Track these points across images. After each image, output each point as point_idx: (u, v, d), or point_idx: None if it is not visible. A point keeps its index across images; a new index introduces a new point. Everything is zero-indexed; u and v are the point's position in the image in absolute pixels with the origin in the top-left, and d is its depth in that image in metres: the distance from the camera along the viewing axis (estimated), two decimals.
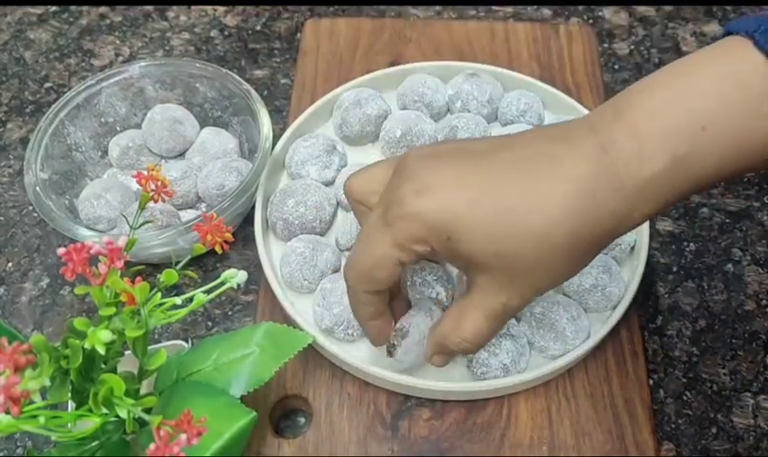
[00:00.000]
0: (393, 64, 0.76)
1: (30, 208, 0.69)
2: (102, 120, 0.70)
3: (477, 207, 0.40)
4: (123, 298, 0.41)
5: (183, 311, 0.43)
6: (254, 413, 0.44)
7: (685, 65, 0.40)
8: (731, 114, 0.38)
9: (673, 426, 0.56)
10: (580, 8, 0.85)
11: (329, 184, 0.66)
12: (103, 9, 0.87)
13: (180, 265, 0.46)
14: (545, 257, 0.41)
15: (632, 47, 0.81)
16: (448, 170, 0.42)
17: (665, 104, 0.39)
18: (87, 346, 0.39)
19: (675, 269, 0.64)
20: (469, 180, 0.41)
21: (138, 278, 0.41)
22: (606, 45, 0.82)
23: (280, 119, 0.75)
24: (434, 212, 0.41)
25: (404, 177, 0.43)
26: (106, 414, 0.39)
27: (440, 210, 0.41)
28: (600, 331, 0.55)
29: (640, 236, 0.60)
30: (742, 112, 0.38)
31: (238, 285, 0.45)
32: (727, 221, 0.66)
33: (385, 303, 0.50)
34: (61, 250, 0.40)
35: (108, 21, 0.86)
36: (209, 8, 0.87)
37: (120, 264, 0.41)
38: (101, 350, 0.39)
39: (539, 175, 0.40)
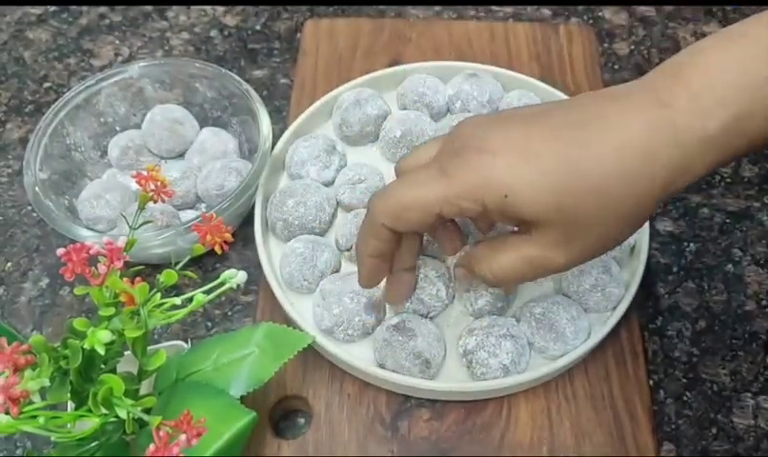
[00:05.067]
0: (392, 64, 0.75)
1: (30, 207, 0.69)
2: (101, 120, 0.70)
3: (538, 162, 0.41)
4: (122, 298, 0.41)
5: (183, 312, 0.43)
6: (254, 414, 0.44)
7: (734, 31, 0.41)
8: None
9: (673, 426, 0.56)
10: (580, 8, 0.85)
11: (329, 184, 0.66)
12: (102, 8, 0.87)
13: (180, 265, 0.46)
14: (603, 211, 0.41)
15: (632, 47, 0.81)
16: (507, 132, 0.43)
17: (723, 65, 0.40)
18: (86, 346, 0.39)
19: (675, 270, 0.64)
20: (528, 140, 0.42)
21: (138, 278, 0.41)
22: (606, 45, 0.82)
23: (280, 119, 0.74)
24: (496, 171, 0.42)
25: (463, 138, 0.45)
26: (105, 415, 0.39)
27: (502, 170, 0.42)
28: (600, 332, 0.55)
29: (640, 236, 0.59)
30: None
31: (238, 285, 0.45)
32: (727, 221, 0.66)
33: (392, 249, 0.50)
34: (60, 251, 0.40)
35: (107, 21, 0.86)
36: (208, 7, 0.87)
37: (120, 264, 0.41)
38: (101, 351, 0.39)
39: (596, 132, 0.41)
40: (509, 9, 0.85)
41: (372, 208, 0.47)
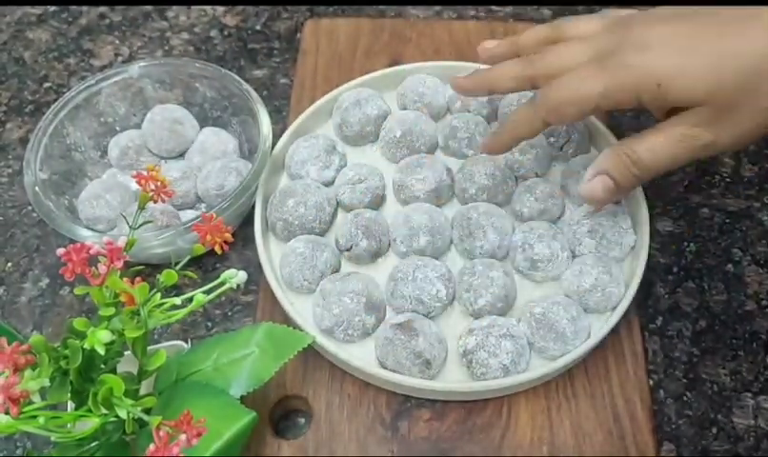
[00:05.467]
0: (392, 64, 0.75)
1: (30, 208, 0.69)
2: (101, 120, 0.70)
3: (692, 52, 0.46)
4: (122, 298, 0.41)
5: (183, 312, 0.43)
6: (254, 414, 0.44)
7: None
8: None
9: (673, 426, 0.56)
10: (580, 8, 0.85)
11: (329, 184, 0.66)
12: (102, 8, 0.87)
13: (180, 265, 0.46)
14: (754, 91, 0.45)
15: None
16: (662, 28, 0.48)
17: None
18: (86, 346, 0.39)
19: (675, 270, 0.64)
20: (682, 34, 0.48)
21: (138, 278, 0.42)
22: None
23: (280, 119, 0.75)
24: (649, 65, 0.47)
25: (625, 33, 0.50)
26: (105, 415, 0.40)
27: (655, 63, 0.47)
28: (600, 332, 0.55)
29: (640, 236, 0.59)
30: None
31: (238, 285, 0.45)
32: (727, 221, 0.66)
33: None
34: (61, 251, 0.40)
35: (107, 21, 0.86)
36: (208, 7, 0.87)
37: (120, 264, 0.41)
38: (101, 351, 0.39)
39: (749, 23, 0.46)
40: (509, 9, 0.85)
41: (539, 102, 0.53)
